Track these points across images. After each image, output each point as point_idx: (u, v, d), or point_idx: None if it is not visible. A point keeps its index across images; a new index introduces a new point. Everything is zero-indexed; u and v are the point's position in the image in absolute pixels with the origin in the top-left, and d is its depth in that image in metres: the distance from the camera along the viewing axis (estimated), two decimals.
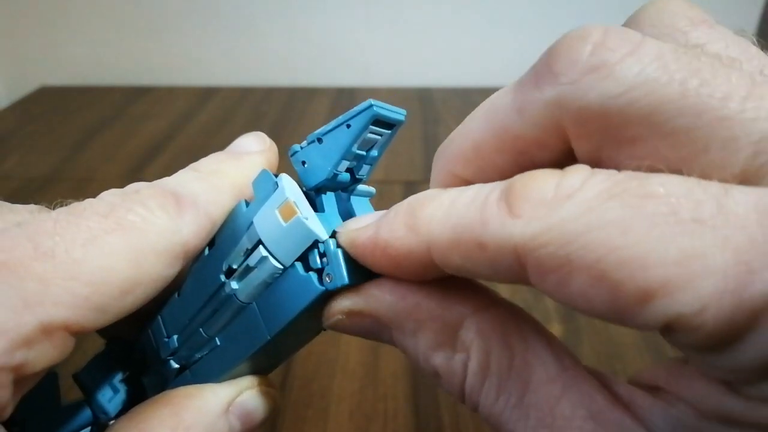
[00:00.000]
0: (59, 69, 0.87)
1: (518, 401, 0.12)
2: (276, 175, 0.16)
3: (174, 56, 0.86)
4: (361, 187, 0.17)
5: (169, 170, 0.17)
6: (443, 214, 0.12)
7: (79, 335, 0.13)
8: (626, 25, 0.13)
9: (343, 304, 0.14)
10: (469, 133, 0.13)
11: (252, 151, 0.18)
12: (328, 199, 0.16)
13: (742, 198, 0.10)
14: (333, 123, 0.15)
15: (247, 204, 0.16)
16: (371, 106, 0.15)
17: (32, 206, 0.15)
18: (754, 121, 0.10)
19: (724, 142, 0.10)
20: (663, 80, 0.10)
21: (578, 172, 0.11)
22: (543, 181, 0.11)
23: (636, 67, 0.11)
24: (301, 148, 0.16)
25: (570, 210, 0.10)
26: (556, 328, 0.39)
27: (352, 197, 0.17)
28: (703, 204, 0.10)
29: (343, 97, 0.79)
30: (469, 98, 0.79)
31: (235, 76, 0.86)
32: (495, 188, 0.12)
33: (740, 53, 0.12)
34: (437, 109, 0.76)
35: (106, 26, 0.84)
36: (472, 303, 0.13)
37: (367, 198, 0.18)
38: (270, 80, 0.86)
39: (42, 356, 0.13)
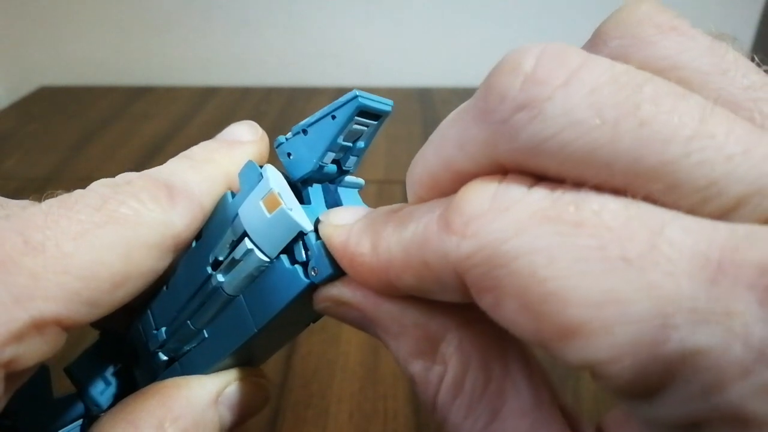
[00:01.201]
0: (59, 69, 0.87)
1: (484, 427, 0.12)
2: (261, 166, 0.15)
3: (174, 56, 0.86)
4: (349, 178, 0.17)
5: None
6: (398, 236, 0.12)
7: (70, 330, 0.13)
8: (595, 35, 0.12)
9: (331, 292, 0.14)
10: (424, 162, 0.12)
11: (244, 141, 0.18)
12: (315, 191, 0.16)
13: (679, 239, 0.09)
14: (318, 114, 0.15)
15: (233, 195, 0.16)
16: (356, 96, 0.15)
17: (23, 201, 0.15)
18: (698, 165, 0.09)
19: (666, 189, 0.09)
20: (594, 122, 0.09)
21: (518, 184, 0.10)
22: (477, 194, 0.10)
23: (566, 105, 0.09)
24: (287, 139, 0.16)
25: (502, 229, 0.10)
26: None
27: (339, 188, 0.17)
28: (634, 240, 0.09)
29: None
30: (468, 98, 0.78)
31: (235, 76, 0.86)
32: (441, 204, 0.11)
33: (713, 65, 0.11)
34: (437, 109, 0.76)
35: (106, 26, 0.84)
36: (457, 317, 0.13)
37: (356, 189, 0.17)
38: (270, 80, 0.86)
39: (33, 351, 0.12)
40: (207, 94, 0.82)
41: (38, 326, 0.12)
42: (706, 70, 0.11)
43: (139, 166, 0.59)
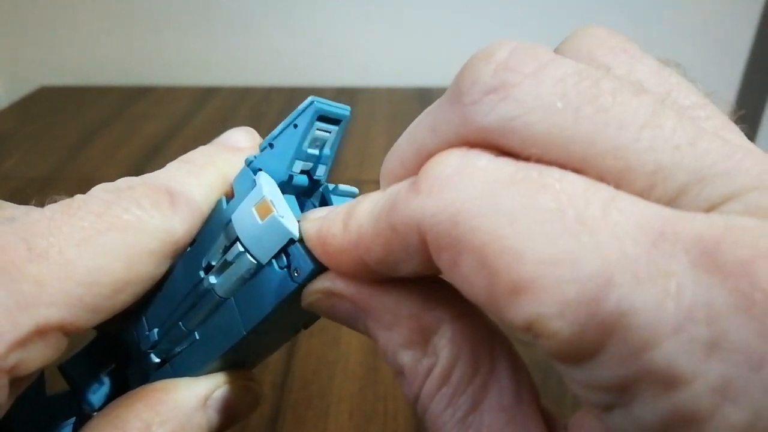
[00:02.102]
0: (59, 69, 0.87)
1: (463, 418, 0.12)
2: (255, 173, 0.16)
3: (174, 56, 0.86)
4: (342, 187, 0.17)
5: None
6: (369, 208, 0.12)
7: (72, 335, 0.13)
8: (556, 51, 0.13)
9: (324, 283, 0.14)
10: (397, 151, 0.13)
11: (243, 147, 0.18)
12: (290, 201, 0.16)
13: (628, 208, 0.09)
14: (281, 126, 0.16)
15: (228, 201, 0.16)
16: (313, 102, 0.15)
17: (24, 207, 0.15)
18: (648, 151, 0.10)
19: (619, 172, 0.10)
20: (558, 106, 0.10)
21: (484, 154, 0.11)
22: (447, 159, 0.11)
23: (533, 91, 0.10)
24: (255, 157, 0.16)
25: (468, 190, 0.10)
26: None
27: (334, 198, 0.17)
28: (590, 206, 0.10)
29: (343, 97, 0.79)
30: None
31: (235, 76, 0.86)
32: (411, 179, 0.12)
33: (658, 85, 0.12)
34: None
35: (106, 26, 0.84)
36: (452, 310, 0.13)
37: (350, 198, 0.18)
38: (270, 80, 0.86)
39: (37, 357, 0.13)
40: (207, 94, 0.82)
41: (42, 332, 0.12)
42: (653, 90, 0.12)
43: (139, 166, 0.59)
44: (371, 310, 0.13)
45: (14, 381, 0.12)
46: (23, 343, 0.12)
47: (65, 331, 0.13)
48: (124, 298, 0.14)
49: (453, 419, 0.12)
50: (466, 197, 0.10)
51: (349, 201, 0.17)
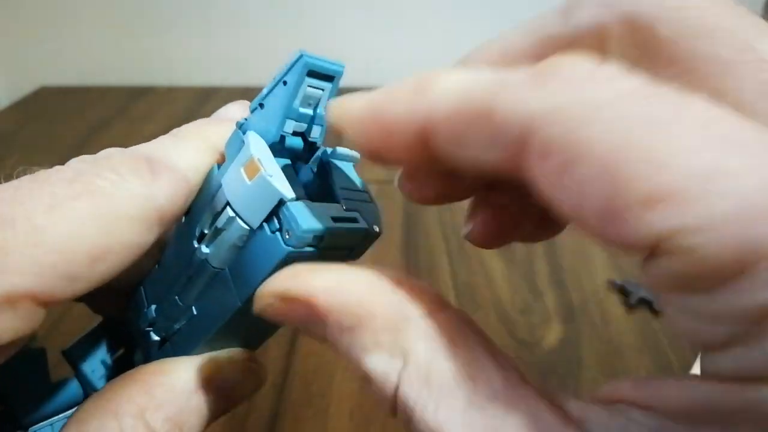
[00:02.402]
0: (59, 69, 0.87)
1: (461, 415, 0.11)
2: (244, 133, 0.15)
3: (174, 56, 0.86)
4: (341, 150, 0.16)
5: None
6: (455, 82, 0.11)
7: (49, 305, 0.13)
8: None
9: (278, 285, 0.13)
10: (501, 38, 0.12)
11: (236, 118, 0.17)
12: (285, 166, 0.15)
13: None
14: (270, 84, 0.15)
15: (219, 167, 0.15)
16: (302, 56, 0.14)
17: None
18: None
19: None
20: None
21: (618, 65, 0.10)
22: (579, 61, 0.10)
23: None
24: (246, 119, 0.15)
25: (601, 94, 0.09)
26: (555, 329, 0.39)
27: (333, 161, 0.16)
28: (744, 126, 0.09)
29: None
30: None
31: (235, 76, 0.86)
32: (522, 69, 0.11)
33: None
34: None
35: (106, 26, 0.84)
36: (420, 306, 0.12)
37: (351, 163, 0.17)
38: (270, 80, 0.86)
39: (8, 326, 0.12)
40: (207, 94, 0.82)
41: (10, 300, 0.12)
42: None
43: None
44: (331, 314, 0.12)
45: None
46: None
47: (38, 300, 0.12)
48: (107, 266, 0.13)
49: (450, 419, 0.11)
50: (598, 101, 0.09)
51: (360, 178, 0.16)
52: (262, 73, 0.86)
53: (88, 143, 0.66)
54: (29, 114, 0.76)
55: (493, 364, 0.12)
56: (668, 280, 0.09)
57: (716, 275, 0.09)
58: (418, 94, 0.12)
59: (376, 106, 0.12)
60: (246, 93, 0.91)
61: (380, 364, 0.12)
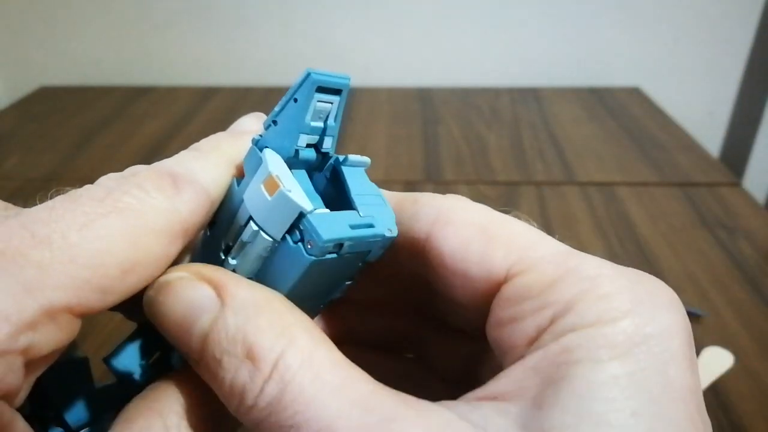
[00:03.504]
0: (59, 69, 0.87)
1: (338, 386, 0.13)
2: (261, 151, 0.16)
3: (174, 56, 0.86)
4: (353, 157, 0.17)
5: None
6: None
7: (84, 316, 0.14)
8: None
9: (197, 267, 0.15)
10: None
11: (251, 131, 0.18)
12: (300, 176, 0.17)
13: None
14: (281, 101, 0.16)
15: (239, 182, 0.16)
16: (309, 74, 0.15)
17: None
18: None
19: None
20: None
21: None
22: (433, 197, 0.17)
23: None
24: (261, 136, 0.16)
25: (454, 202, 0.17)
26: None
27: (345, 168, 0.17)
28: (530, 226, 0.16)
29: None
30: (468, 98, 0.79)
31: (235, 76, 0.86)
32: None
33: None
34: (437, 109, 0.76)
35: (106, 26, 0.85)
36: (302, 319, 0.15)
37: (362, 168, 0.18)
38: (270, 80, 0.86)
39: (48, 339, 0.13)
40: (207, 94, 0.82)
41: (50, 314, 0.13)
42: None
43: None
44: (235, 297, 0.14)
45: (29, 363, 0.13)
46: (32, 325, 0.12)
47: (74, 312, 0.13)
48: (137, 278, 0.14)
49: (325, 388, 0.13)
50: (458, 206, 0.16)
51: (371, 181, 0.17)
52: (262, 73, 0.86)
53: (88, 143, 0.66)
54: (29, 114, 0.76)
55: (359, 369, 0.14)
56: (515, 294, 0.14)
57: (543, 284, 0.14)
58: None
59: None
60: (246, 93, 0.92)
61: (269, 340, 0.13)
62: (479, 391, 0.14)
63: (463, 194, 0.17)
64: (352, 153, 0.17)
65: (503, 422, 0.13)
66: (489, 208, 0.16)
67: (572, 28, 0.83)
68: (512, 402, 0.13)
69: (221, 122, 0.75)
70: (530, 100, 0.79)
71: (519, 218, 0.16)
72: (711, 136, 0.84)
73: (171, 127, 0.70)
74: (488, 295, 0.15)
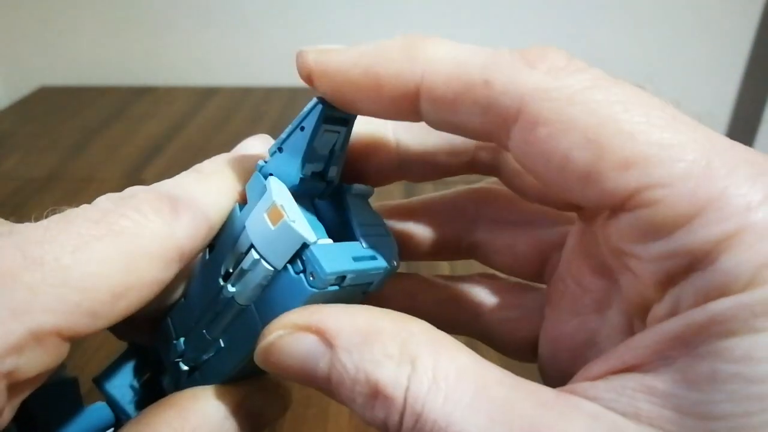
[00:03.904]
0: (59, 69, 0.87)
1: (469, 404, 0.12)
2: (266, 178, 0.16)
3: (174, 56, 0.86)
4: (357, 186, 0.17)
5: (170, 170, 0.17)
6: (447, 50, 0.13)
7: (73, 340, 0.13)
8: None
9: (289, 318, 0.14)
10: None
11: (255, 154, 0.18)
12: (305, 206, 0.16)
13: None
14: (288, 129, 0.15)
15: (241, 208, 0.16)
16: (318, 103, 0.15)
17: (25, 223, 0.16)
18: None
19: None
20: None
21: (583, 62, 0.13)
22: (558, 52, 0.13)
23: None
24: (266, 162, 0.16)
25: (582, 79, 0.12)
26: None
27: (348, 198, 0.17)
28: (676, 115, 0.12)
29: None
30: None
31: (235, 76, 0.86)
32: (502, 49, 0.13)
33: None
34: None
35: (106, 26, 0.84)
36: (416, 321, 0.14)
37: (366, 196, 0.17)
38: (270, 80, 0.86)
39: (34, 362, 0.13)
40: (207, 94, 0.82)
41: (37, 338, 0.12)
42: None
43: (139, 166, 0.59)
44: (339, 335, 0.13)
45: (13, 386, 0.13)
46: (18, 348, 0.12)
47: (63, 336, 0.13)
48: (127, 302, 0.14)
49: (459, 407, 0.12)
50: (581, 84, 0.12)
51: (375, 211, 0.17)
52: (262, 73, 0.86)
53: (88, 143, 0.66)
54: (29, 114, 0.76)
55: (472, 356, 0.13)
56: (635, 230, 0.12)
57: (675, 221, 0.11)
58: (412, 57, 0.13)
59: (368, 64, 0.14)
60: (246, 93, 0.91)
61: (391, 372, 0.13)
62: (611, 358, 0.13)
63: None
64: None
65: (655, 409, 0.11)
66: (597, 85, 0.12)
67: (572, 28, 0.83)
68: (655, 375, 0.12)
69: (221, 122, 0.75)
70: None
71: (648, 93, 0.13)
72: None
73: (171, 127, 0.70)
74: (593, 214, 0.13)
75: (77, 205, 0.15)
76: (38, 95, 0.83)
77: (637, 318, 0.14)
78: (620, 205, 0.12)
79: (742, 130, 0.86)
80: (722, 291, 0.11)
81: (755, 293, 0.10)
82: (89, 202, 0.15)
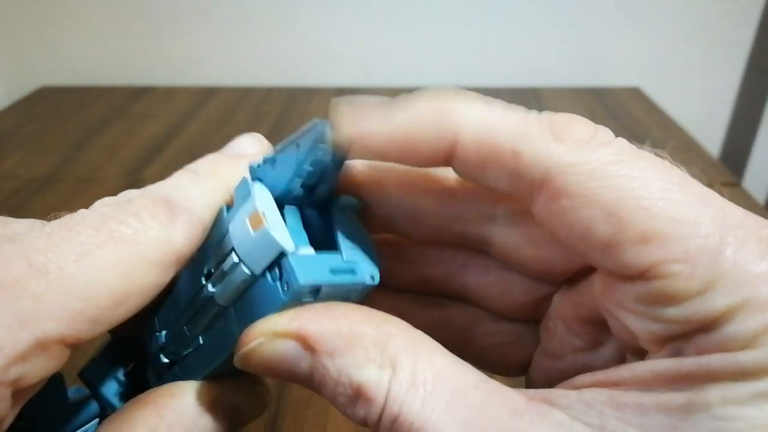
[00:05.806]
0: (59, 69, 0.87)
1: (445, 408, 0.13)
2: (252, 182, 0.16)
3: (174, 56, 0.86)
4: (344, 198, 0.17)
5: (170, 170, 0.17)
6: (477, 112, 0.14)
7: (74, 346, 0.14)
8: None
9: (268, 325, 0.14)
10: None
11: (249, 154, 0.18)
12: (291, 213, 0.16)
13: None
14: (285, 142, 0.16)
15: (228, 209, 0.16)
16: (316, 125, 0.15)
17: (27, 221, 0.16)
18: None
19: None
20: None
21: (607, 130, 0.14)
22: (583, 124, 0.14)
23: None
24: (258, 166, 0.16)
25: (605, 154, 0.13)
26: None
27: (334, 208, 0.17)
28: (693, 188, 0.13)
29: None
30: None
31: (235, 76, 0.86)
32: (530, 112, 0.14)
33: None
34: None
35: (106, 26, 0.84)
36: (396, 324, 0.14)
37: (353, 209, 0.17)
38: (270, 80, 0.86)
39: (38, 369, 0.13)
40: (207, 94, 0.82)
41: (42, 346, 0.13)
42: None
43: (139, 166, 0.59)
44: (322, 337, 0.14)
45: (17, 392, 0.13)
46: (24, 357, 0.12)
47: (66, 343, 0.13)
48: (126, 308, 0.14)
49: (435, 411, 0.13)
50: (605, 159, 0.13)
51: (362, 225, 0.17)
52: (262, 73, 0.86)
53: (88, 143, 0.66)
54: (29, 114, 0.76)
55: (457, 361, 0.14)
56: (648, 297, 0.13)
57: (688, 293, 0.12)
58: (443, 123, 0.14)
59: (402, 127, 0.14)
60: (246, 93, 0.91)
61: (372, 375, 0.13)
62: (599, 374, 0.13)
63: None
64: None
65: (620, 426, 0.12)
66: (619, 160, 0.13)
67: (572, 28, 0.83)
68: (627, 394, 0.12)
69: (221, 122, 0.75)
70: (530, 100, 0.79)
71: (658, 155, 0.14)
72: (711, 136, 0.84)
73: (171, 127, 0.70)
74: (609, 279, 0.14)
75: (76, 209, 0.15)
76: (38, 95, 0.83)
77: (632, 355, 0.15)
78: (637, 276, 0.13)
79: (742, 130, 0.86)
80: (721, 351, 0.12)
81: (748, 353, 0.12)
82: (89, 202, 0.15)
